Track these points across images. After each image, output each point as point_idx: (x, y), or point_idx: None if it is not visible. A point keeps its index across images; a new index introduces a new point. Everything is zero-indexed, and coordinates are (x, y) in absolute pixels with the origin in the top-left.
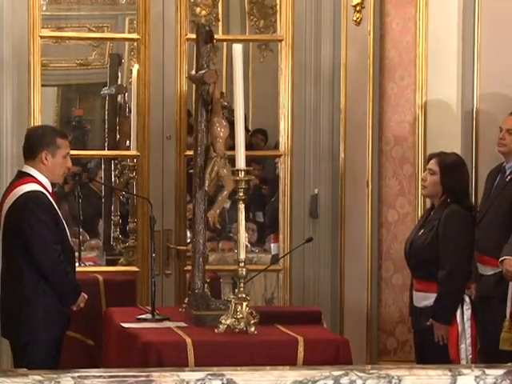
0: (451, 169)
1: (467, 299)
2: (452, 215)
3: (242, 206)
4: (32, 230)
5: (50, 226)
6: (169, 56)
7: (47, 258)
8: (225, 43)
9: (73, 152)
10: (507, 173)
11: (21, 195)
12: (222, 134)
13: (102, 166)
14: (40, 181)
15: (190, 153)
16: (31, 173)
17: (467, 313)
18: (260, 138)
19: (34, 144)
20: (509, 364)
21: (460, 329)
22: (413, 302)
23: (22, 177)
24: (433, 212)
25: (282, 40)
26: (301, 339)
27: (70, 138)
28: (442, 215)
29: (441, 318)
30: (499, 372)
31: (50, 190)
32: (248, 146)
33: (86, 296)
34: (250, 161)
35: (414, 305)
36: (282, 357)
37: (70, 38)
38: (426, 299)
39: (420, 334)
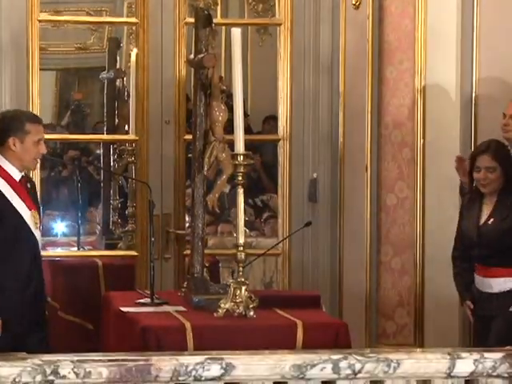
0: (506, 157)
1: None
2: None
3: (240, 191)
4: None
5: None
6: (167, 40)
7: None
8: (223, 27)
9: (71, 136)
10: None
11: None
12: (220, 119)
13: (101, 151)
14: (3, 168)
15: (189, 137)
16: None
17: None
18: (272, 124)
19: (2, 130)
20: (507, 347)
21: None
22: (475, 288)
23: None
24: (497, 199)
25: (281, 24)
26: (300, 323)
27: (68, 121)
28: None
29: None
30: (498, 355)
31: (18, 178)
32: (260, 133)
33: None
34: (249, 146)
35: (482, 291)
36: (280, 341)
37: (68, 22)
38: (506, 283)
39: (489, 321)
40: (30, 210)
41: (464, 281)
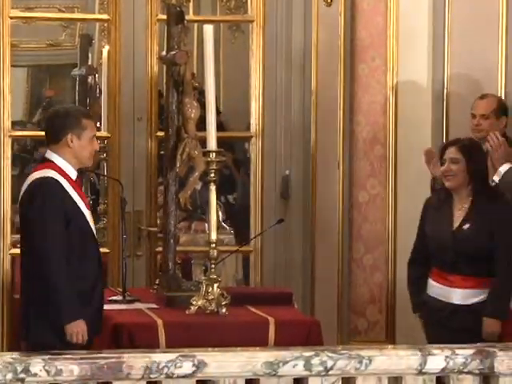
0: (475, 154)
1: None
2: (509, 211)
3: (213, 188)
4: (31, 221)
5: (55, 218)
6: (139, 37)
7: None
8: (196, 24)
9: (43, 133)
10: None
11: (30, 182)
12: (193, 115)
13: None
14: (60, 166)
15: (161, 134)
16: (52, 158)
17: None
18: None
19: (58, 126)
20: (478, 344)
21: None
22: (428, 297)
23: (41, 163)
24: (475, 205)
25: (253, 21)
26: (272, 320)
27: (39, 118)
28: (494, 210)
29: (495, 314)
30: (469, 352)
31: (74, 177)
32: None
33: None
34: (221, 144)
35: (447, 302)
36: (253, 338)
37: (39, 19)
38: (475, 296)
39: (462, 333)
40: (88, 210)
41: (421, 289)
